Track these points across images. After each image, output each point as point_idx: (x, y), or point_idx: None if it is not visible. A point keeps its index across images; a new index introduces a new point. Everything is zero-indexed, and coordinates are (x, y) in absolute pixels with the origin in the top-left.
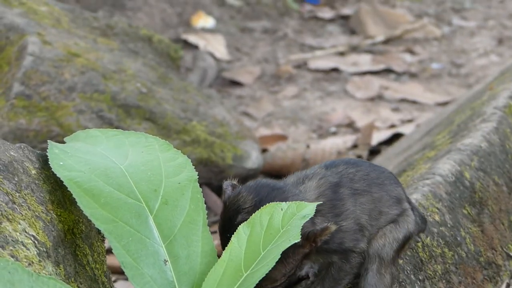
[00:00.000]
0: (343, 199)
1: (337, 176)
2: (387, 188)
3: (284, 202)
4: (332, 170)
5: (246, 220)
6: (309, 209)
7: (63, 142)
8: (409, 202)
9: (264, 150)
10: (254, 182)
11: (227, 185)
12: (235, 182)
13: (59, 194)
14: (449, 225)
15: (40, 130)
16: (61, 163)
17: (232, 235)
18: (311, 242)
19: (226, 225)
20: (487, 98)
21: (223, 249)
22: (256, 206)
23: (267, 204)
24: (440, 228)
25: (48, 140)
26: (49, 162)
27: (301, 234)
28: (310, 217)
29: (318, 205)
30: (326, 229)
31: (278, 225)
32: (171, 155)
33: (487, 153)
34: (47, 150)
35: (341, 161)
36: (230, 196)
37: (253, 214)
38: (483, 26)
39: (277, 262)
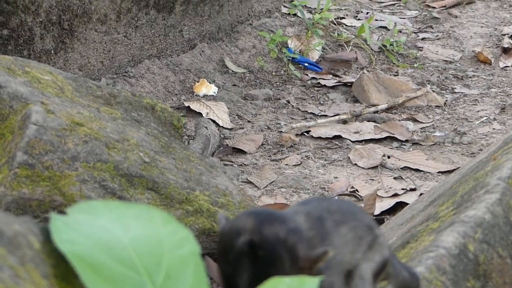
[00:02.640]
0: (330, 232)
1: (317, 210)
2: (359, 217)
3: (287, 278)
4: (309, 205)
5: (248, 241)
6: (312, 283)
7: (65, 213)
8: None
9: None
10: (250, 209)
11: (221, 216)
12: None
13: (62, 267)
14: None
15: (43, 199)
16: (64, 236)
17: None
18: (307, 268)
19: (226, 250)
20: (490, 169)
21: (222, 277)
22: (257, 227)
23: (269, 231)
24: None
25: (51, 213)
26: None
27: (298, 257)
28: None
29: (310, 238)
30: (325, 253)
31: None
32: (173, 228)
33: (491, 225)
34: (50, 222)
35: (312, 199)
36: (227, 224)
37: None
38: (486, 94)
39: None
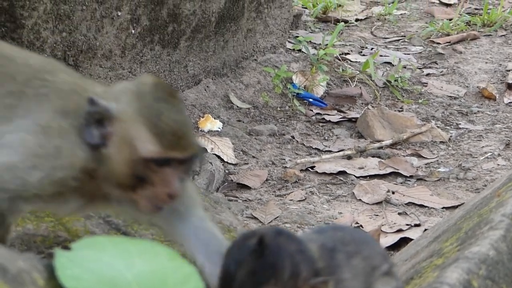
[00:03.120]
0: (340, 265)
1: (330, 241)
2: (372, 245)
3: None
4: (323, 235)
5: (259, 237)
6: None
7: (70, 248)
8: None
9: None
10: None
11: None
12: None
13: None
14: None
15: (47, 235)
16: (68, 272)
17: None
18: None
19: (235, 247)
20: (495, 205)
21: (221, 274)
22: (272, 234)
23: (282, 240)
24: None
25: (55, 249)
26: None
27: (299, 275)
28: None
29: (318, 268)
30: (327, 281)
31: None
32: (178, 264)
33: (495, 262)
34: (54, 258)
35: (327, 227)
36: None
37: None
38: (491, 129)
39: None
